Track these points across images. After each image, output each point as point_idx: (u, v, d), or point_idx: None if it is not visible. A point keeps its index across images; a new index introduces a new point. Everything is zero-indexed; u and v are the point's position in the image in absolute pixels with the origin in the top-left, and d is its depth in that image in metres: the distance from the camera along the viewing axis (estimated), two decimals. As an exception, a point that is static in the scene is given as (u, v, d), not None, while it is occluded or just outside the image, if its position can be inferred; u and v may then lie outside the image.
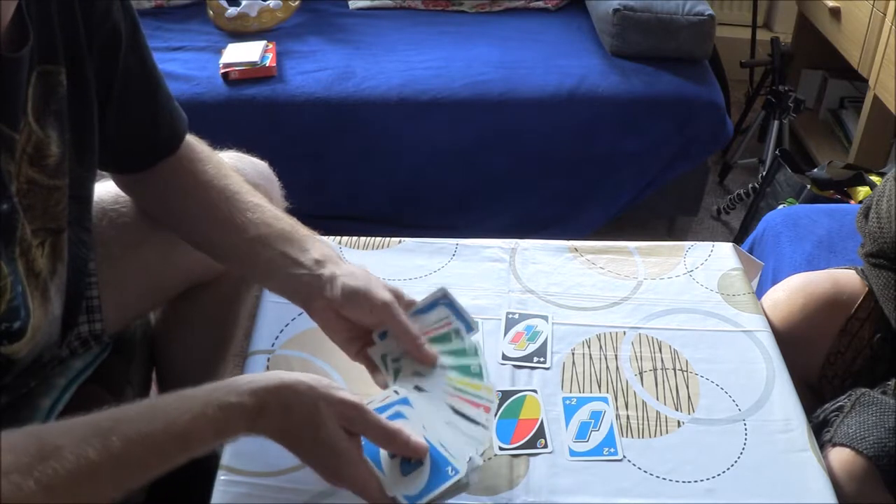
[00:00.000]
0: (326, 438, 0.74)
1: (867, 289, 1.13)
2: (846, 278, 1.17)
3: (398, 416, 0.80)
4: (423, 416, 0.81)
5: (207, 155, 1.02)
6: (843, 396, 1.02)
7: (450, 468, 0.77)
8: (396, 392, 0.83)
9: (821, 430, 0.99)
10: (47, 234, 0.85)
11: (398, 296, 0.88)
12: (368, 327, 0.88)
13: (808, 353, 1.13)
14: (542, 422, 0.91)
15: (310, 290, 0.88)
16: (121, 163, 1.00)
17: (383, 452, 0.78)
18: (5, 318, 0.78)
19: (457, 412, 0.82)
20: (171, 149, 0.99)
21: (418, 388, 0.84)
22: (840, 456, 0.93)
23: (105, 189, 1.06)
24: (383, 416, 0.78)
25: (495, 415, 0.90)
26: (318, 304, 0.88)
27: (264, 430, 0.74)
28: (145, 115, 0.97)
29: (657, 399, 0.95)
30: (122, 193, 1.06)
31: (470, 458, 0.77)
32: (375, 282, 0.88)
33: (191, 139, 1.02)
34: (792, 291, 1.17)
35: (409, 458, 0.77)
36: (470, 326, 0.89)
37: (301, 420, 0.74)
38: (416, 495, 0.75)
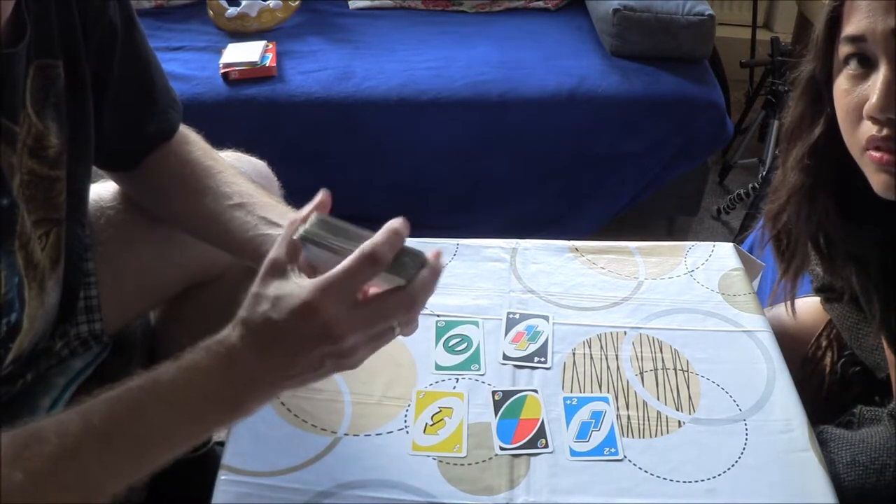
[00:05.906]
0: (289, 301, 0.69)
1: (828, 316, 1.13)
2: (807, 307, 1.17)
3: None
4: None
5: (195, 138, 1.03)
6: None
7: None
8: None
9: None
10: (50, 225, 0.86)
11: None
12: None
13: None
14: (542, 422, 0.91)
15: None
16: (115, 160, 1.00)
17: None
18: (3, 311, 0.78)
19: None
20: (163, 140, 1.00)
21: None
22: None
23: (104, 188, 1.07)
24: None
25: (496, 410, 0.90)
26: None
27: (257, 366, 0.69)
28: (139, 110, 0.97)
29: (658, 399, 0.95)
30: (121, 193, 1.07)
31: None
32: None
33: (181, 128, 1.03)
34: None
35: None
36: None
37: (264, 328, 0.70)
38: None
